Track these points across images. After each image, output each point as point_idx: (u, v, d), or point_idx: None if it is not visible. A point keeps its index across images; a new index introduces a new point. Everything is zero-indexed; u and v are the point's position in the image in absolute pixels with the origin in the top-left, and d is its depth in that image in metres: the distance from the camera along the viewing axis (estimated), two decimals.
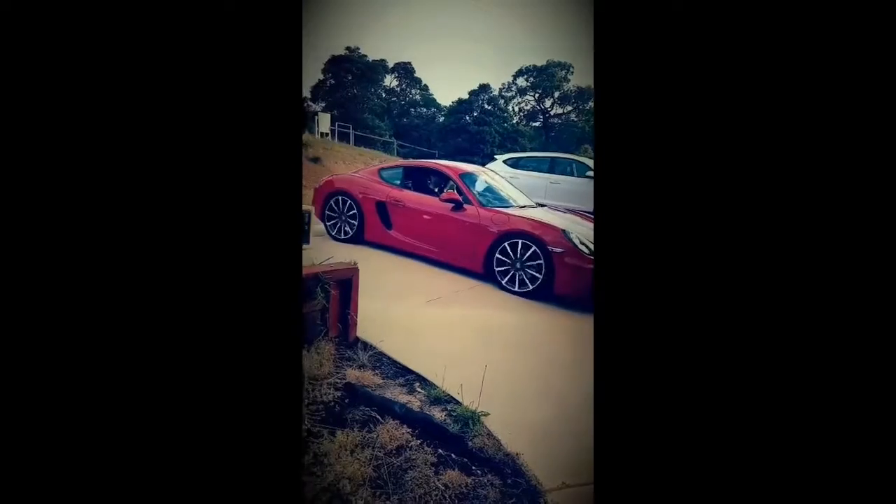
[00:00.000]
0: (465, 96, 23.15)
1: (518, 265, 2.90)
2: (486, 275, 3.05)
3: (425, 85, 27.47)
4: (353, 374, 1.55)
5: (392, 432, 1.28)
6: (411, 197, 3.51)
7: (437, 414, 1.42)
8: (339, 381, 1.52)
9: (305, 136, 14.78)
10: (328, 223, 3.77)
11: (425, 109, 26.96)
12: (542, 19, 52.35)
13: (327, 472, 1.08)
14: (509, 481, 1.18)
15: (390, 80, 27.25)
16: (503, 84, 24.68)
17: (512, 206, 3.47)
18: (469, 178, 3.63)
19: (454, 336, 2.02)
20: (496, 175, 4.29)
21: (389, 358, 1.70)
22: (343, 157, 14.57)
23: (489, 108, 22.90)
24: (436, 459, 1.21)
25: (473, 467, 1.22)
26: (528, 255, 2.87)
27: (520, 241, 2.90)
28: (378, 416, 1.36)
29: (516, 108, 25.79)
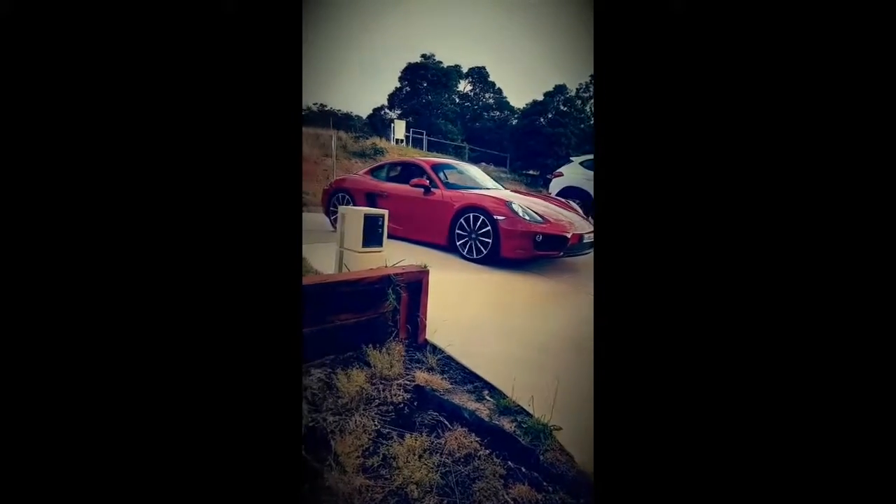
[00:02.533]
0: (540, 98, 22.71)
1: (473, 235, 3.48)
2: (450, 247, 3.64)
3: (499, 88, 27.40)
4: (422, 377, 1.55)
5: (461, 440, 1.26)
6: (393, 187, 4.30)
7: (507, 424, 1.37)
8: (408, 382, 1.53)
9: (381, 143, 15.37)
10: (331, 217, 4.70)
11: (498, 113, 26.86)
12: None
13: (395, 475, 1.08)
14: (582, 501, 1.11)
15: (464, 85, 27.51)
16: (580, 84, 23.87)
17: (476, 189, 4.10)
18: (439, 168, 4.37)
19: (524, 343, 1.96)
20: (470, 167, 5.10)
21: (458, 363, 1.69)
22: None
23: (565, 109, 22.26)
24: (505, 472, 1.17)
25: (545, 483, 1.16)
26: (479, 225, 3.46)
27: (472, 214, 3.50)
28: (446, 422, 1.35)
29: (593, 109, 24.84)
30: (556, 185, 6.21)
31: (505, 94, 27.33)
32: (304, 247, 2.89)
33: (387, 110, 26.96)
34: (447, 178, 4.22)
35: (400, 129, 17.43)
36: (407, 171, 4.50)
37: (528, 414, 1.41)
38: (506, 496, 1.08)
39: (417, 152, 16.31)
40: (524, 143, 20.75)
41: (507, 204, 3.40)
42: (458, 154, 19.39)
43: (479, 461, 1.20)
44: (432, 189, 3.91)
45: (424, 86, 25.64)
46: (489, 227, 3.36)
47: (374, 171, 4.86)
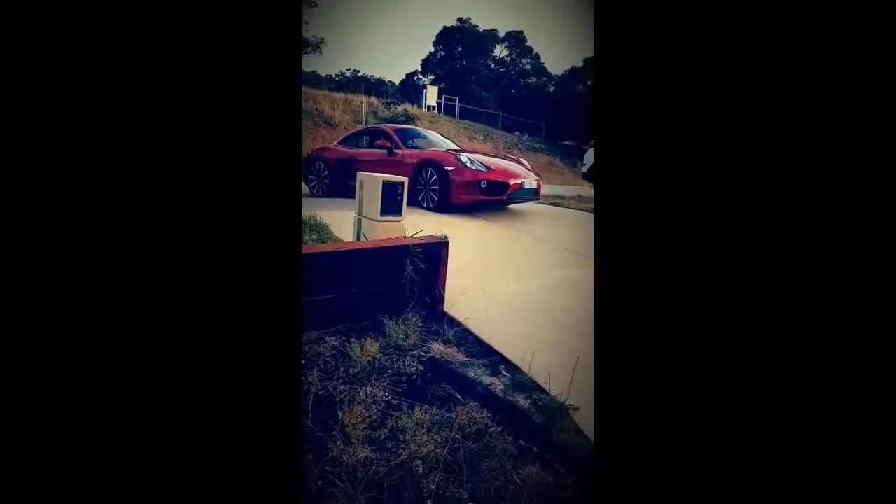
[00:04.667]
0: (580, 65, 21.68)
1: (427, 186, 4.00)
2: (411, 200, 3.87)
3: (536, 54, 26.31)
4: (437, 349, 1.52)
5: (472, 414, 1.23)
6: (362, 152, 4.89)
7: (521, 401, 1.33)
8: (423, 353, 1.50)
9: (413, 109, 15.14)
10: (310, 185, 5.20)
11: (535, 79, 25.86)
12: None
13: (402, 448, 1.06)
14: (595, 486, 1.06)
15: (500, 51, 26.56)
16: None
17: (433, 149, 4.66)
18: (402, 132, 5.01)
19: (545, 320, 1.90)
20: (432, 133, 5.58)
21: (475, 336, 1.64)
22: (447, 131, 14.66)
23: None
24: (516, 451, 1.13)
25: (556, 465, 1.11)
26: (431, 177, 3.99)
27: (427, 168, 4.05)
28: (459, 396, 1.31)
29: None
30: (590, 157, 6.05)
31: (543, 60, 26.25)
32: (325, 213, 2.88)
33: (420, 76, 26.45)
34: (413, 143, 4.83)
35: (432, 95, 17.09)
36: (374, 137, 5.03)
37: (544, 391, 1.36)
38: (515, 477, 1.04)
39: (449, 120, 16.01)
40: (561, 111, 19.98)
41: (456, 156, 3.99)
42: (491, 122, 18.90)
43: (489, 438, 1.16)
44: (395, 150, 4.48)
45: (459, 51, 24.92)
46: (441, 178, 3.92)
47: (346, 140, 5.51)
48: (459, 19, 24.95)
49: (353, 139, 5.43)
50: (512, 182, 4.06)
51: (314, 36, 15.59)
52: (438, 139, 5.34)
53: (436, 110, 17.06)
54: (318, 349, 1.45)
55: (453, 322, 1.69)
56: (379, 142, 4.65)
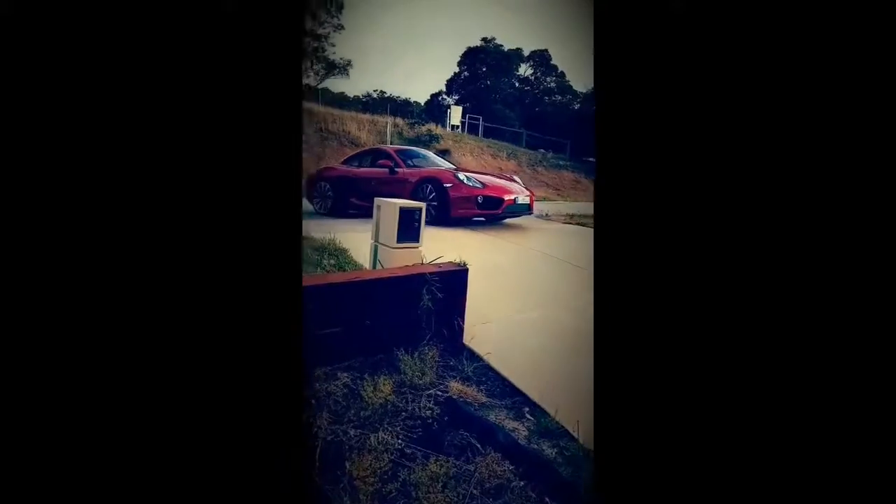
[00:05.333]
0: None
1: (427, 200, 4.26)
2: None
3: (562, 72, 26.28)
4: (455, 388, 1.42)
5: (493, 467, 1.11)
6: (364, 171, 5.32)
7: (547, 450, 1.21)
8: (440, 393, 1.40)
9: (437, 129, 15.27)
10: (315, 203, 5.50)
11: (560, 97, 25.79)
12: None
13: None
14: None
15: (525, 69, 26.69)
16: None
17: (432, 167, 5.12)
18: (403, 153, 5.40)
19: (574, 354, 1.76)
20: (430, 153, 6.04)
21: (497, 373, 1.53)
22: (471, 150, 14.71)
23: None
24: None
25: None
26: (430, 192, 4.43)
27: (427, 185, 4.49)
28: (478, 444, 1.20)
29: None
30: None
31: (567, 77, 26.18)
32: (345, 237, 2.83)
33: (444, 96, 26.79)
34: (413, 162, 5.22)
35: (456, 114, 17.23)
36: (376, 157, 5.45)
37: (572, 438, 1.24)
38: None
39: (473, 139, 16.07)
40: (586, 128, 19.76)
41: (454, 174, 4.49)
42: (515, 140, 18.87)
43: (511, 494, 1.05)
44: (396, 169, 4.89)
45: (484, 70, 25.15)
46: (440, 193, 4.35)
47: (348, 161, 5.92)
48: (484, 39, 25.25)
49: (355, 159, 5.83)
50: (506, 197, 4.47)
51: (341, 58, 16.06)
52: (436, 159, 5.76)
53: (459, 129, 17.17)
54: (329, 387, 1.36)
55: (473, 356, 1.59)
56: (381, 161, 5.10)
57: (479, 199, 4.30)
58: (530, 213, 5.05)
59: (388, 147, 5.90)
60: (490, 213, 4.38)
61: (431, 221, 3.98)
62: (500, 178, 5.25)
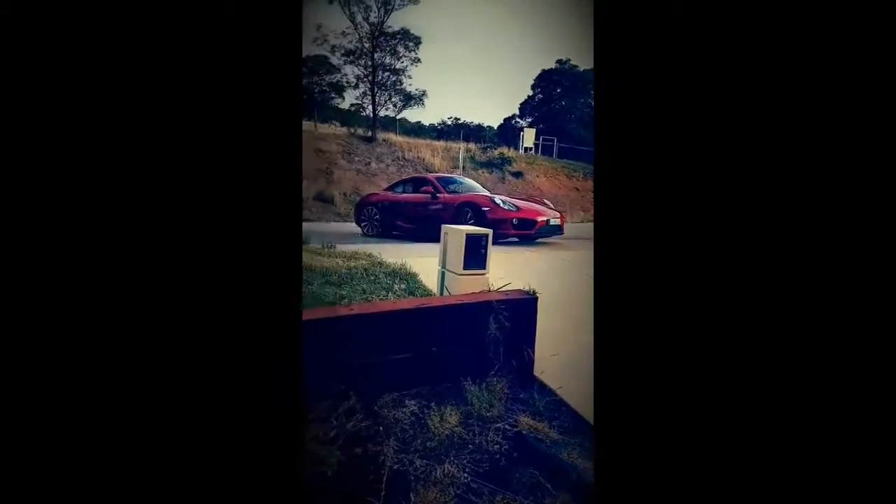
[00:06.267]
0: None
1: (467, 223, 4.73)
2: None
3: None
4: (525, 422, 1.35)
5: None
6: (408, 197, 5.96)
7: None
8: (508, 427, 1.34)
9: (509, 153, 15.30)
10: (363, 226, 6.25)
11: None
12: None
13: None
14: None
15: None
16: None
17: (470, 193, 5.74)
18: (442, 180, 6.07)
19: None
20: (467, 179, 6.67)
21: (570, 408, 1.44)
22: (545, 171, 14.51)
23: None
24: None
25: None
26: (469, 215, 4.98)
27: (467, 209, 5.06)
28: (548, 485, 1.13)
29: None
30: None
31: None
32: (415, 261, 2.89)
33: (518, 119, 26.86)
34: (452, 188, 5.85)
35: (529, 137, 17.18)
36: (418, 184, 6.12)
37: None
38: None
39: (546, 160, 15.87)
40: None
41: (491, 199, 5.06)
42: (589, 159, 18.36)
43: None
44: (437, 195, 5.55)
45: (558, 91, 24.95)
46: (478, 216, 4.89)
47: (393, 187, 6.60)
48: (559, 61, 25.14)
49: (399, 186, 6.53)
50: (539, 219, 5.03)
51: (417, 89, 16.76)
52: (473, 185, 6.38)
53: (532, 151, 17.06)
54: (397, 414, 1.37)
55: (544, 390, 1.51)
56: (424, 188, 5.79)
57: (515, 221, 4.84)
58: (561, 234, 5.51)
59: (430, 175, 6.65)
60: (524, 233, 4.87)
61: None
62: (533, 201, 5.94)
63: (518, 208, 5.01)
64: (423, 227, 5.48)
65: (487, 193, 5.66)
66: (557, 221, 5.32)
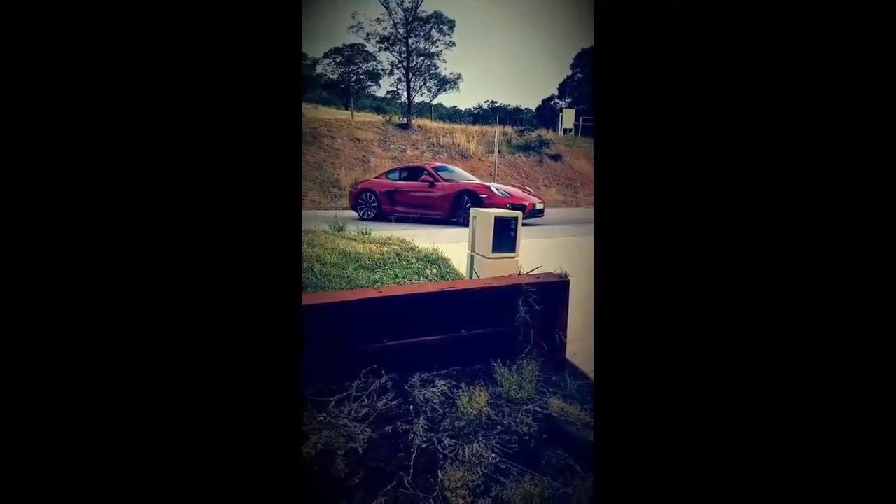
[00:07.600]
0: None
1: (464, 209, 5.39)
2: (449, 221, 5.91)
3: None
4: (556, 405, 1.34)
5: (592, 493, 1.02)
6: (406, 184, 6.48)
7: None
8: (539, 409, 1.33)
9: (548, 134, 14.91)
10: (359, 210, 6.69)
11: None
12: None
13: None
14: None
15: None
16: None
17: (464, 181, 6.47)
18: (439, 169, 6.68)
19: None
20: (457, 168, 7.45)
21: None
22: (585, 153, 14.07)
23: None
24: None
25: None
26: (468, 202, 5.64)
27: (465, 196, 5.82)
28: (578, 468, 1.12)
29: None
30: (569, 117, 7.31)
31: None
32: (446, 246, 2.89)
33: (557, 100, 26.14)
34: (444, 176, 6.46)
35: (568, 118, 16.67)
36: (414, 172, 6.70)
37: None
38: None
39: (586, 141, 15.38)
40: None
41: (487, 186, 5.88)
42: None
43: None
44: (435, 183, 6.21)
45: None
46: (476, 202, 5.53)
47: (388, 174, 7.06)
48: None
49: (395, 173, 7.01)
50: (527, 203, 5.83)
51: (451, 73, 16.59)
52: (463, 173, 7.12)
53: (572, 133, 16.56)
54: (427, 393, 1.39)
55: (576, 373, 1.49)
56: (423, 176, 6.40)
57: (509, 206, 5.40)
58: (542, 216, 6.34)
59: (426, 164, 7.28)
60: None
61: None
62: (518, 188, 6.88)
63: (510, 195, 5.85)
64: (424, 211, 6.17)
65: (483, 182, 6.48)
66: (541, 206, 6.23)
